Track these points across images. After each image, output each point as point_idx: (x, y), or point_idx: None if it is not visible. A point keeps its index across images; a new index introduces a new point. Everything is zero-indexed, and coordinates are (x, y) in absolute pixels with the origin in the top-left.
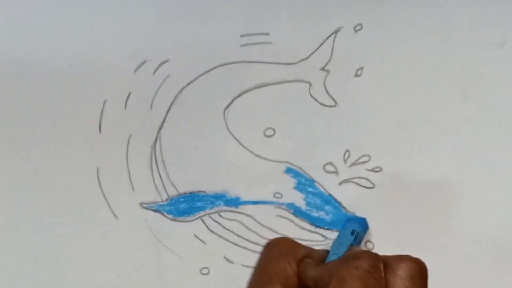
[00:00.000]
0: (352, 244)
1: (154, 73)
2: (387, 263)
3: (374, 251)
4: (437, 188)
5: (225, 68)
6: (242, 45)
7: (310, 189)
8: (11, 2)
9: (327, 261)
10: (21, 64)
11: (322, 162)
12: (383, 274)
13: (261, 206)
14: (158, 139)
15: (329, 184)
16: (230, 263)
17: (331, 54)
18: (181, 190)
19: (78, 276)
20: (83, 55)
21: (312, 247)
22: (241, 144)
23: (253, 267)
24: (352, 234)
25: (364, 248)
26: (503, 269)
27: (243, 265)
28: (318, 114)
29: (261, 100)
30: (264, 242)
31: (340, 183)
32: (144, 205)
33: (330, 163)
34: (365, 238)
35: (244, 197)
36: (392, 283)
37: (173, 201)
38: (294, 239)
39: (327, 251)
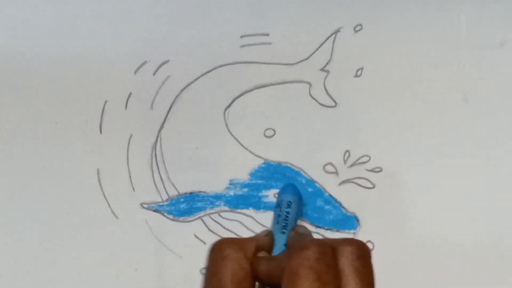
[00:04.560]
0: (293, 217)
1: (154, 74)
2: (334, 248)
3: (374, 251)
4: (436, 188)
5: (225, 68)
6: (242, 46)
7: (310, 189)
8: (12, 2)
9: (274, 245)
10: (22, 65)
11: (322, 162)
12: (333, 259)
13: None
14: (158, 139)
15: (329, 184)
16: None
17: (331, 55)
18: (181, 190)
19: (78, 276)
20: (84, 55)
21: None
22: (241, 144)
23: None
24: (288, 206)
25: (302, 224)
26: (503, 270)
27: None
28: (318, 114)
29: (261, 101)
30: None
31: (340, 183)
32: (145, 205)
33: (330, 163)
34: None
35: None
36: (342, 266)
37: (173, 201)
38: (237, 237)
39: (270, 232)
